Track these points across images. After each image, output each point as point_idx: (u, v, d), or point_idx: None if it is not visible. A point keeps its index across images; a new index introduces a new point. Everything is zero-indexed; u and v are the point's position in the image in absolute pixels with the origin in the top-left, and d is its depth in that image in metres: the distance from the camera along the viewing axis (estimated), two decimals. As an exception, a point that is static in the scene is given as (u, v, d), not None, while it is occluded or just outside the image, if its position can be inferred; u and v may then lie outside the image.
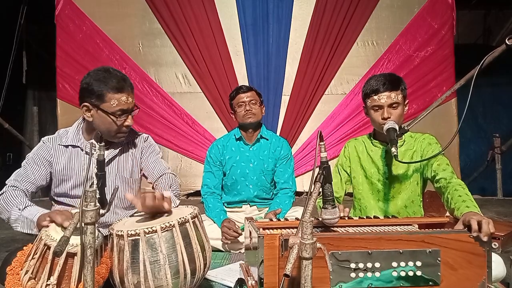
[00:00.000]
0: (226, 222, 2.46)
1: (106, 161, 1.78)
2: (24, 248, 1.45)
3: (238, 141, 2.71)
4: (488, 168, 5.16)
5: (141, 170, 1.96)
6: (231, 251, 2.51)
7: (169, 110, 4.48)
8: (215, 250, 2.40)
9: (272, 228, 1.56)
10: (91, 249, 1.16)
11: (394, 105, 1.88)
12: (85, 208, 1.15)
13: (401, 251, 1.35)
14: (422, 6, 4.45)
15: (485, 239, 1.36)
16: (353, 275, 1.34)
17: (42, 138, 1.85)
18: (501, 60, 3.14)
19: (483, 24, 5.93)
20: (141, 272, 1.34)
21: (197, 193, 4.08)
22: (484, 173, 5.26)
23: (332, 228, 1.51)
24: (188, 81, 4.54)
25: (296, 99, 4.46)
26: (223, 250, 2.51)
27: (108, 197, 1.48)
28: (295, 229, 1.43)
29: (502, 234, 1.90)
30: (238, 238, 2.44)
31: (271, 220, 1.68)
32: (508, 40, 2.97)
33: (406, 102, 1.96)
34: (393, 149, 1.73)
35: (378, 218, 1.71)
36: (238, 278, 1.65)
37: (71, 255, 1.33)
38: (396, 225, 1.61)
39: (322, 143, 1.33)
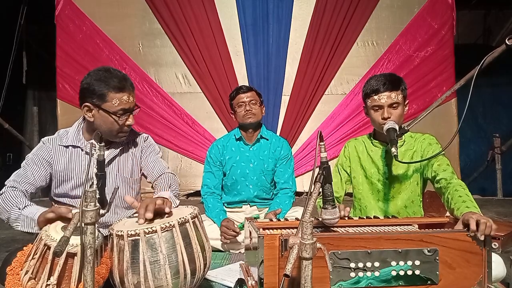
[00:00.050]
0: (225, 222, 2.46)
1: (106, 161, 1.79)
2: (24, 248, 1.45)
3: (238, 141, 2.71)
4: (488, 168, 5.17)
5: (141, 169, 1.96)
6: (231, 251, 2.51)
7: (169, 110, 4.48)
8: (215, 250, 2.40)
9: (272, 228, 1.56)
10: (91, 249, 1.16)
11: (394, 105, 1.89)
12: (85, 208, 1.15)
13: (400, 250, 1.36)
14: (422, 6, 4.45)
15: (481, 238, 1.37)
16: (352, 274, 1.35)
17: (42, 139, 1.84)
18: (501, 60, 3.14)
19: (483, 24, 5.93)
20: (141, 272, 1.34)
21: (197, 193, 4.08)
22: (484, 173, 5.26)
23: (332, 228, 1.51)
24: (188, 81, 4.54)
25: (296, 99, 4.46)
26: (223, 250, 2.51)
27: (108, 197, 1.48)
28: (295, 229, 1.43)
29: (502, 234, 1.90)
30: (237, 238, 2.44)
31: (271, 220, 1.68)
32: (508, 40, 2.96)
33: (406, 102, 1.96)
34: (393, 149, 1.73)
35: (378, 218, 1.72)
36: (238, 278, 1.65)
37: (71, 255, 1.33)
38: (396, 225, 1.62)
39: (322, 143, 1.33)
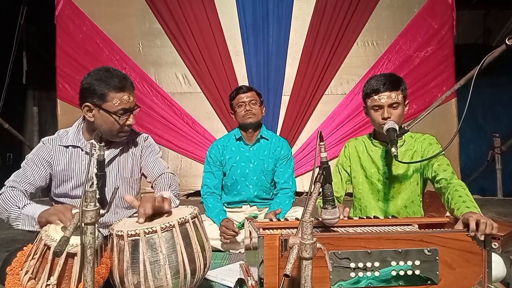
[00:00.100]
0: (224, 222, 2.46)
1: (106, 161, 1.79)
2: (24, 248, 1.45)
3: (238, 141, 2.71)
4: (488, 168, 5.17)
5: (140, 169, 1.96)
6: (231, 251, 2.51)
7: (169, 110, 4.48)
8: (215, 250, 2.40)
9: (272, 228, 1.56)
10: (91, 249, 1.16)
11: (394, 105, 1.89)
12: (85, 208, 1.15)
13: (400, 250, 1.36)
14: (422, 6, 4.45)
15: (481, 238, 1.37)
16: (352, 274, 1.35)
17: (42, 139, 1.84)
18: (501, 60, 3.14)
19: (483, 24, 5.93)
20: (141, 272, 1.34)
21: (197, 193, 4.08)
22: (484, 173, 5.26)
23: (332, 228, 1.51)
24: (188, 81, 4.54)
25: (296, 99, 4.46)
26: (223, 250, 2.51)
27: (108, 197, 1.48)
28: (295, 229, 1.43)
29: (502, 234, 1.90)
30: (236, 238, 2.44)
31: (271, 220, 1.68)
32: (508, 40, 2.97)
33: (406, 102, 1.96)
34: (393, 149, 1.73)
35: (378, 218, 1.72)
36: (238, 278, 1.65)
37: (71, 255, 1.33)
38: (396, 225, 1.62)
39: (322, 143, 1.33)
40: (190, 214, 1.47)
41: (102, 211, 1.31)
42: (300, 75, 4.47)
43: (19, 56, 4.92)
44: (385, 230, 1.52)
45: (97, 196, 1.21)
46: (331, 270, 1.24)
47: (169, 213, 1.52)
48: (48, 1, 4.39)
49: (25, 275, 1.34)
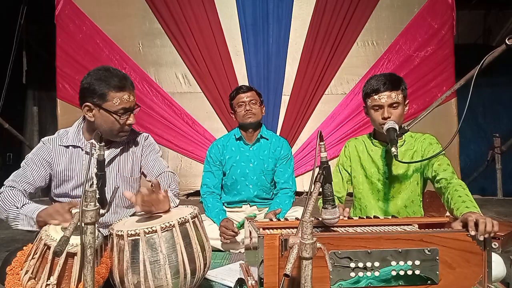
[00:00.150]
0: (224, 222, 2.46)
1: (107, 160, 1.79)
2: (24, 248, 1.45)
3: (238, 141, 2.71)
4: (488, 168, 5.17)
5: (140, 168, 1.96)
6: (231, 250, 2.51)
7: (169, 110, 4.48)
8: (215, 250, 2.40)
9: (272, 228, 1.56)
10: (91, 249, 1.16)
11: (394, 105, 1.89)
12: (85, 208, 1.15)
13: (400, 250, 1.36)
14: (422, 6, 4.45)
15: (481, 238, 1.37)
16: (352, 274, 1.35)
17: (42, 139, 1.84)
18: (501, 60, 3.14)
19: (483, 24, 5.93)
20: (141, 272, 1.34)
21: (197, 193, 4.08)
22: (484, 173, 5.26)
23: (332, 228, 1.51)
24: (188, 81, 4.54)
25: (296, 99, 4.46)
26: (223, 250, 2.51)
27: (108, 197, 1.48)
28: (295, 229, 1.43)
29: (502, 234, 1.90)
30: (236, 238, 2.44)
31: (271, 220, 1.68)
32: (508, 40, 2.97)
33: (406, 102, 1.96)
34: (393, 149, 1.73)
35: (378, 218, 1.72)
36: (238, 278, 1.65)
37: (71, 255, 1.33)
38: (396, 225, 1.62)
39: (322, 143, 1.33)
40: (190, 214, 1.47)
41: (102, 211, 1.31)
42: (300, 75, 4.47)
43: (19, 56, 4.92)
44: (385, 230, 1.52)
45: (97, 196, 1.21)
46: (331, 269, 1.24)
47: (165, 208, 1.52)
48: (48, 1, 4.39)
49: (25, 274, 1.34)
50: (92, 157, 1.30)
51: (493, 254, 1.44)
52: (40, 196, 2.99)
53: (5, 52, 4.70)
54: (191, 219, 1.45)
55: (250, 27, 4.47)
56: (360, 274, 1.35)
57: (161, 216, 1.52)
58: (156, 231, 1.36)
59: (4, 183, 1.73)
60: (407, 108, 1.98)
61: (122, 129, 1.78)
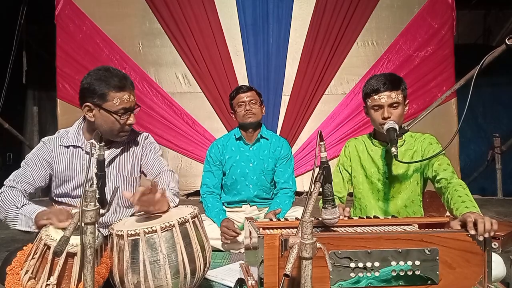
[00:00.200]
0: (225, 222, 2.46)
1: (107, 160, 1.79)
2: (24, 248, 1.45)
3: (238, 141, 2.71)
4: (488, 168, 5.16)
5: (140, 167, 1.96)
6: (231, 251, 2.51)
7: (169, 110, 4.48)
8: (215, 250, 2.40)
9: (272, 228, 1.56)
10: (91, 249, 1.16)
11: (394, 105, 1.89)
12: (85, 208, 1.15)
13: (400, 250, 1.36)
14: (422, 6, 4.45)
15: (480, 238, 1.37)
16: (352, 274, 1.35)
17: (42, 139, 1.84)
18: (501, 60, 3.14)
19: (483, 24, 5.93)
20: (141, 272, 1.34)
21: (197, 193, 4.07)
22: (484, 173, 5.26)
23: (332, 228, 1.51)
24: (188, 81, 4.54)
25: (296, 99, 4.46)
26: (223, 250, 2.51)
27: (108, 197, 1.48)
28: (295, 229, 1.43)
29: (502, 234, 1.90)
30: (237, 238, 2.44)
31: (271, 220, 1.68)
32: (508, 40, 2.97)
33: (406, 102, 1.96)
34: (393, 149, 1.73)
35: (378, 218, 1.72)
36: (238, 278, 1.65)
37: (71, 255, 1.33)
38: (396, 225, 1.62)
39: (322, 143, 1.33)
40: (190, 213, 1.47)
41: (102, 211, 1.31)
42: (300, 75, 4.47)
43: (19, 56, 4.91)
44: (385, 230, 1.52)
45: (97, 196, 1.21)
46: (331, 269, 1.24)
47: (163, 207, 1.52)
48: (48, 1, 4.39)
49: (25, 274, 1.34)
50: (92, 157, 1.30)
51: (493, 254, 1.44)
52: (40, 196, 2.99)
53: (5, 52, 4.70)
54: (191, 219, 1.45)
55: (250, 27, 4.47)
56: (360, 274, 1.35)
57: (161, 216, 1.52)
58: (156, 231, 1.36)
59: (4, 183, 1.73)
60: (407, 108, 1.98)
61: (123, 129, 1.78)
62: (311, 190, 1.24)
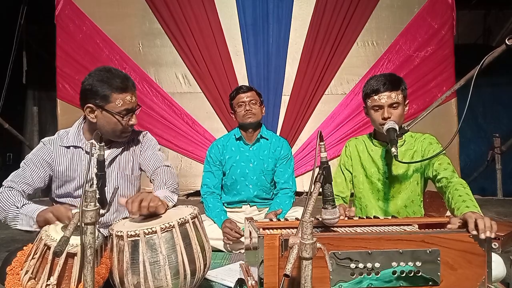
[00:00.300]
0: (228, 222, 2.45)
1: (108, 160, 1.79)
2: (24, 248, 1.45)
3: (238, 141, 2.71)
4: (488, 168, 5.16)
5: (140, 164, 1.96)
6: (233, 251, 2.51)
7: (169, 110, 4.48)
8: (215, 250, 2.40)
9: (272, 228, 1.55)
10: (91, 249, 1.16)
11: (394, 105, 1.89)
12: (85, 208, 1.15)
13: (401, 251, 1.35)
14: (422, 6, 4.45)
15: (482, 236, 1.36)
16: (353, 275, 1.34)
17: (42, 140, 1.83)
18: (501, 60, 3.14)
19: (483, 24, 5.93)
20: (141, 272, 1.34)
21: (197, 193, 4.08)
22: (484, 173, 5.26)
23: (332, 228, 1.51)
24: (188, 81, 4.55)
25: (296, 99, 4.47)
26: (224, 250, 2.51)
27: (108, 197, 1.48)
28: (295, 229, 1.43)
29: (502, 234, 1.90)
30: (240, 239, 2.43)
31: (271, 220, 1.68)
32: (508, 40, 2.97)
33: (406, 102, 1.96)
34: (393, 149, 1.73)
35: (378, 218, 1.71)
36: (238, 278, 1.65)
37: (71, 255, 1.32)
38: (396, 225, 1.61)
39: (322, 143, 1.33)
40: (190, 214, 1.47)
41: (102, 211, 1.31)
42: (300, 75, 4.47)
43: (19, 56, 4.92)
44: (385, 230, 1.52)
45: (97, 196, 1.21)
46: (331, 270, 1.24)
47: (163, 212, 1.52)
48: (48, 1, 4.40)
49: (25, 275, 1.34)
50: (92, 157, 1.29)
51: (493, 254, 1.43)
52: (40, 196, 3.00)
53: (5, 52, 4.70)
54: (191, 219, 1.45)
55: (250, 27, 4.48)
56: (361, 275, 1.34)
57: (161, 216, 1.52)
58: (156, 232, 1.36)
59: (3, 183, 1.72)
60: (407, 108, 1.98)
61: (125, 130, 1.78)
62: (311, 190, 1.24)
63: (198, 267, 1.43)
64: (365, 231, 1.49)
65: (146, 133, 2.01)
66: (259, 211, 2.70)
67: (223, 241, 2.48)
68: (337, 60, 4.48)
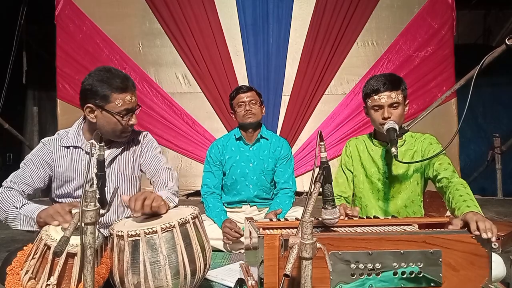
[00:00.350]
0: (228, 222, 2.45)
1: (108, 160, 1.79)
2: (24, 248, 1.45)
3: (238, 141, 2.71)
4: (488, 168, 5.17)
5: (140, 165, 1.96)
6: (232, 251, 2.51)
7: (169, 110, 4.48)
8: (216, 250, 2.40)
9: (272, 228, 1.55)
10: (91, 249, 1.16)
11: (394, 105, 1.89)
12: (85, 208, 1.15)
13: (402, 251, 1.35)
14: (422, 6, 4.45)
15: (484, 235, 1.35)
16: (353, 275, 1.34)
17: (42, 140, 1.83)
18: (501, 60, 3.14)
19: (483, 24, 5.93)
20: (141, 272, 1.34)
21: (197, 193, 4.08)
22: (484, 173, 5.26)
23: (332, 228, 1.51)
24: (188, 81, 4.55)
25: (296, 99, 4.47)
26: (224, 250, 2.51)
27: (108, 197, 1.48)
28: (295, 229, 1.43)
29: (502, 234, 1.90)
30: (240, 239, 2.44)
31: (271, 220, 1.68)
32: (508, 40, 2.97)
33: (406, 102, 1.96)
34: (393, 149, 1.73)
35: (378, 218, 1.71)
36: (238, 278, 1.65)
37: (71, 255, 1.32)
38: (396, 225, 1.61)
39: (322, 143, 1.33)
40: (190, 214, 1.47)
41: (102, 211, 1.31)
42: (300, 75, 4.47)
43: (19, 56, 4.92)
44: (385, 230, 1.51)
45: (97, 196, 1.21)
46: (331, 270, 1.23)
47: (165, 212, 1.52)
48: (48, 1, 4.40)
49: (25, 275, 1.34)
50: (92, 157, 1.29)
51: (493, 254, 1.43)
52: (40, 196, 2.99)
53: (5, 52, 4.70)
54: (192, 219, 1.45)
55: (250, 27, 4.48)
56: (361, 276, 1.34)
57: (161, 216, 1.52)
58: (156, 232, 1.36)
59: (3, 183, 1.72)
60: (407, 108, 1.98)
61: (125, 130, 1.78)
62: (311, 190, 1.24)
63: (198, 267, 1.43)
64: (365, 231, 1.49)
65: (147, 134, 2.01)
66: (259, 211, 2.70)
67: (223, 241, 2.48)
68: (337, 60, 4.49)
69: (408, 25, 4.47)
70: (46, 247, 1.33)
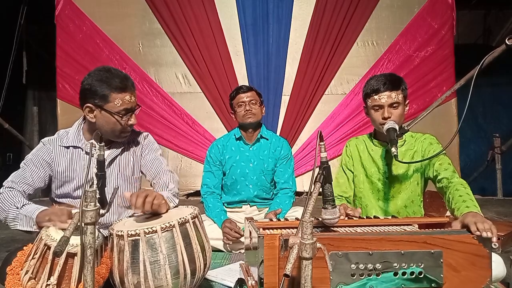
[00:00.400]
0: (228, 222, 2.45)
1: (108, 160, 1.79)
2: (24, 248, 1.45)
3: (238, 141, 2.71)
4: (488, 168, 5.17)
5: (140, 167, 1.96)
6: (232, 251, 2.51)
7: (169, 110, 4.48)
8: (216, 250, 2.40)
9: (272, 228, 1.55)
10: (91, 249, 1.16)
11: (394, 105, 1.89)
12: (85, 208, 1.15)
13: (402, 252, 1.35)
14: (422, 6, 4.45)
15: (484, 234, 1.35)
16: (353, 276, 1.34)
17: (42, 140, 1.83)
18: (501, 60, 3.14)
19: (483, 24, 5.93)
20: (141, 272, 1.34)
21: (197, 193, 4.08)
22: (484, 173, 5.26)
23: (332, 228, 1.51)
24: (188, 81, 4.55)
25: (296, 99, 4.47)
26: (224, 250, 2.51)
27: (108, 197, 1.48)
28: (295, 229, 1.43)
29: (502, 234, 1.90)
30: (240, 239, 2.43)
31: (271, 220, 1.68)
32: (508, 40, 2.97)
33: (406, 102, 1.96)
34: (393, 149, 1.73)
35: (378, 218, 1.71)
36: (238, 278, 1.65)
37: (71, 255, 1.33)
38: (396, 225, 1.61)
39: (322, 143, 1.33)
40: (190, 214, 1.47)
41: (102, 211, 1.31)
42: (300, 75, 4.47)
43: (19, 56, 4.92)
44: (385, 230, 1.51)
45: (97, 196, 1.21)
46: (331, 270, 1.23)
47: (166, 212, 1.52)
48: (48, 1, 4.40)
49: (25, 275, 1.34)
50: (92, 157, 1.29)
51: (493, 254, 1.42)
52: (40, 196, 2.99)
53: (5, 52, 4.70)
54: (191, 219, 1.45)
55: (250, 27, 4.48)
56: (361, 276, 1.34)
57: (161, 216, 1.52)
58: (156, 231, 1.36)
59: (3, 184, 1.72)
60: (407, 108, 1.98)
61: (124, 130, 1.78)
62: (311, 190, 1.24)
63: (198, 266, 1.43)
64: (365, 231, 1.49)
65: (148, 135, 2.00)
66: (259, 211, 2.70)
67: (223, 241, 2.48)
68: (337, 60, 4.49)
69: (408, 25, 4.47)
70: (46, 247, 1.33)
